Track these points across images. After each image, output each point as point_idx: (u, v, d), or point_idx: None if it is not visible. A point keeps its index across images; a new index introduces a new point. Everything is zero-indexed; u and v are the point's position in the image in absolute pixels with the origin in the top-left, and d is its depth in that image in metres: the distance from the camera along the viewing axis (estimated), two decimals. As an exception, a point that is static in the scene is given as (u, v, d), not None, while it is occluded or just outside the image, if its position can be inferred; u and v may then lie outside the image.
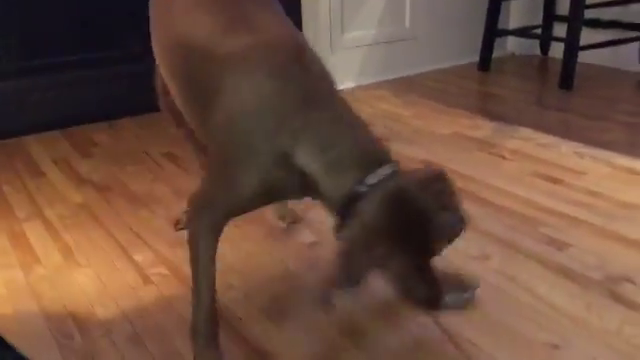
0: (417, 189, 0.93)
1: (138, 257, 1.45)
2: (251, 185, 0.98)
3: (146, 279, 1.36)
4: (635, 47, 2.71)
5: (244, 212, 1.08)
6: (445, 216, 0.94)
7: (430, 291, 0.96)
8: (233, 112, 0.99)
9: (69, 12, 2.42)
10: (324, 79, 1.04)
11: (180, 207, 1.69)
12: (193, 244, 1.06)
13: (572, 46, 2.54)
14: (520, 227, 1.50)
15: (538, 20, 3.04)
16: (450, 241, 0.97)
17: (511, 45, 3.25)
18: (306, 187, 0.98)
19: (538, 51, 3.18)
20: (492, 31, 2.92)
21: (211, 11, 1.11)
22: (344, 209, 0.94)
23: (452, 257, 1.38)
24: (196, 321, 1.09)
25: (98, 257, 1.46)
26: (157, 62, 1.30)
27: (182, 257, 1.44)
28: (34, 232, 1.59)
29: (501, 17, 2.93)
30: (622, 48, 2.72)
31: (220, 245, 1.46)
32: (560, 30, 2.85)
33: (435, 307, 1.01)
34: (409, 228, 0.91)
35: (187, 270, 1.37)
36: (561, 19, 2.90)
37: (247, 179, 0.98)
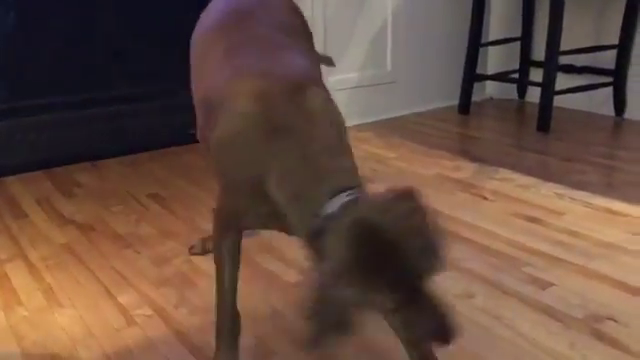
0: (381, 214, 0.85)
1: (122, 298, 1.44)
2: (238, 206, 1.05)
3: (130, 320, 1.35)
4: (606, 92, 2.80)
5: (249, 228, 1.18)
6: (423, 237, 0.85)
7: (435, 320, 0.86)
8: (217, 139, 1.04)
9: (52, 53, 2.44)
10: (317, 113, 1.00)
11: (165, 247, 1.69)
12: (215, 251, 1.15)
13: (548, 90, 2.62)
14: (503, 266, 1.52)
15: (515, 65, 3.13)
16: (433, 262, 0.86)
17: (489, 89, 3.33)
18: (281, 218, 0.97)
19: (515, 95, 3.27)
20: (471, 75, 3.00)
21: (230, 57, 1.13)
22: (310, 245, 0.91)
23: (437, 296, 1.39)
24: (219, 323, 1.16)
25: (81, 298, 1.45)
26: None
27: (166, 297, 1.43)
28: (16, 273, 1.57)
29: (479, 62, 3.03)
30: (595, 93, 2.81)
31: (204, 285, 1.47)
32: (536, 75, 2.94)
33: (448, 339, 0.87)
34: (381, 258, 0.82)
35: (171, 310, 1.38)
36: (537, 64, 2.99)
37: (232, 201, 1.06)
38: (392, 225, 0.84)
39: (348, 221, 0.86)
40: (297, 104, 1.00)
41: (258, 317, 1.34)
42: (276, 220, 1.00)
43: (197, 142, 1.31)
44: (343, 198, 0.90)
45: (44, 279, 1.54)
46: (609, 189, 2.00)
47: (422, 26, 3.02)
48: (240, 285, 1.46)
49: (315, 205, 0.91)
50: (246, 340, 1.26)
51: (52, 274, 1.56)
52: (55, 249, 1.70)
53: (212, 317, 1.32)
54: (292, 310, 1.36)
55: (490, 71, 3.24)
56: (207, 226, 1.80)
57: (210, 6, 1.38)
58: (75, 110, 2.48)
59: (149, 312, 1.38)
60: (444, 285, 1.44)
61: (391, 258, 0.82)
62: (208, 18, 1.32)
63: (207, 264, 1.58)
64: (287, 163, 0.95)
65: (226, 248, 1.12)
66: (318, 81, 1.12)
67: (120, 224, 1.86)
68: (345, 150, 1.01)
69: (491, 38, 3.19)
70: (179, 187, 2.16)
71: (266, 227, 1.14)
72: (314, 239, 0.89)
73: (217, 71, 1.14)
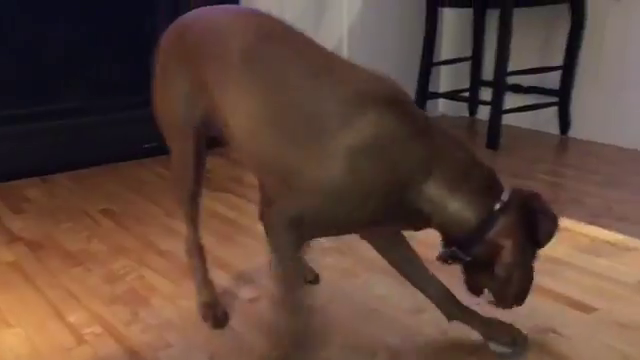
0: (534, 201, 1.11)
1: (72, 317, 1.41)
2: (356, 216, 1.03)
3: (80, 339, 1.33)
4: (552, 111, 2.91)
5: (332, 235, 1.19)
6: (548, 223, 1.12)
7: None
8: (354, 151, 1.01)
9: (1, 65, 2.39)
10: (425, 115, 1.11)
11: (117, 263, 1.67)
12: (292, 263, 1.07)
13: (497, 109, 2.71)
14: (453, 281, 1.55)
15: (466, 84, 3.22)
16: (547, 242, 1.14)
17: (442, 107, 3.42)
18: (422, 215, 1.07)
19: (466, 113, 3.36)
20: (424, 93, 3.07)
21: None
22: (483, 223, 1.06)
23: (387, 310, 1.42)
24: (294, 335, 1.08)
25: (29, 318, 1.41)
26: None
27: (118, 315, 1.41)
28: (-41, 292, 1.52)
29: (432, 80, 3.11)
30: (541, 112, 2.91)
31: (156, 302, 1.46)
32: (486, 94, 3.04)
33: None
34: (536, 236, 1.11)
35: (122, 329, 1.36)
36: (486, 84, 3.09)
37: (356, 211, 1.02)
38: (543, 210, 1.12)
39: (522, 203, 1.10)
40: (415, 108, 1.11)
41: (212, 334, 1.33)
42: (396, 220, 1.11)
43: (150, 156, 1.29)
44: (508, 191, 1.10)
45: (-10, 298, 1.50)
46: (554, 205, 2.01)
47: (377, 45, 3.08)
48: (193, 301, 1.46)
49: (493, 195, 1.08)
50: (199, 358, 1.25)
51: (-2, 293, 1.52)
52: (2, 267, 1.66)
53: (165, 335, 1.32)
54: (247, 327, 1.36)
55: (442, 89, 3.33)
56: (160, 242, 1.79)
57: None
58: (24, 123, 2.42)
59: (99, 331, 1.35)
60: (394, 300, 1.47)
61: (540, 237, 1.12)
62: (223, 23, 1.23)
63: (159, 281, 1.57)
64: (453, 162, 1.05)
65: (298, 260, 1.08)
66: None
67: (70, 241, 1.83)
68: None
69: (443, 58, 3.28)
70: (131, 202, 2.14)
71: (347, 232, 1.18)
72: (489, 220, 1.07)
73: (303, 91, 1.10)
